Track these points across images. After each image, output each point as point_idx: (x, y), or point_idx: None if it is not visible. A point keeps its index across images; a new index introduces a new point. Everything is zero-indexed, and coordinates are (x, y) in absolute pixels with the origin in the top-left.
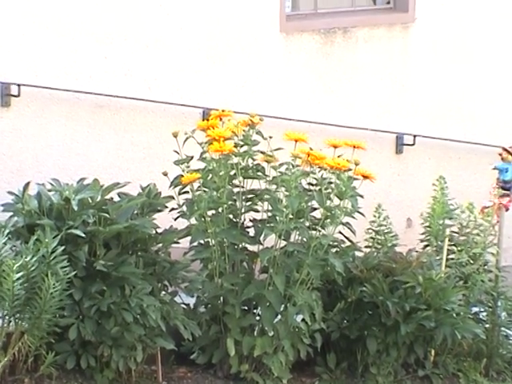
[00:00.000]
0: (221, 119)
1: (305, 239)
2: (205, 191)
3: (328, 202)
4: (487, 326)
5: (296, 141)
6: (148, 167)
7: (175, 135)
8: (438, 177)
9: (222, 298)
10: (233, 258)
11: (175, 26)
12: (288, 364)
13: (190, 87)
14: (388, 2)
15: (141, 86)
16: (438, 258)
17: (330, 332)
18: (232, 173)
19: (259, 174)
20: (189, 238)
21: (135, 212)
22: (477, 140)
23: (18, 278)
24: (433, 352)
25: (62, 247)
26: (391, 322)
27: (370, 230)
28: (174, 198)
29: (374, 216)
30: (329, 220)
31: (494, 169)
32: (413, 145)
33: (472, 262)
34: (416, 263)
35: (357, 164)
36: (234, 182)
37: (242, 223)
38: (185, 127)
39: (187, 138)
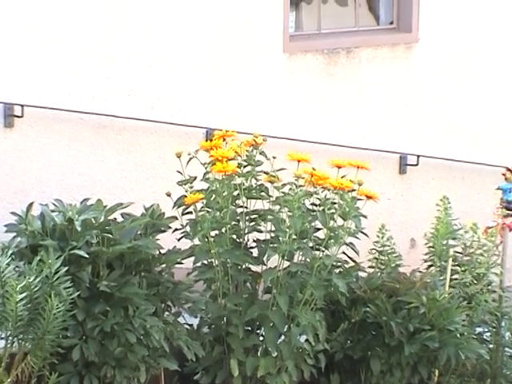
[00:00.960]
0: (224, 139)
1: (308, 260)
2: (208, 211)
3: (331, 222)
4: (491, 346)
5: (299, 161)
6: (151, 188)
7: (178, 155)
8: (442, 197)
9: (225, 319)
10: (236, 279)
11: (178, 46)
12: None
13: (193, 107)
14: (391, 23)
15: (144, 106)
16: (441, 278)
17: (334, 352)
18: (235, 193)
19: (262, 194)
20: (192, 258)
21: (138, 232)
22: (480, 160)
23: (21, 299)
24: (437, 372)
25: (65, 268)
26: (395, 342)
27: (374, 251)
28: (177, 219)
29: (378, 236)
30: (332, 240)
31: (498, 189)
32: (416, 165)
33: (476, 282)
34: (420, 283)
35: (360, 184)
36: (237, 202)
37: (246, 243)
38: (188, 147)
39: (190, 159)
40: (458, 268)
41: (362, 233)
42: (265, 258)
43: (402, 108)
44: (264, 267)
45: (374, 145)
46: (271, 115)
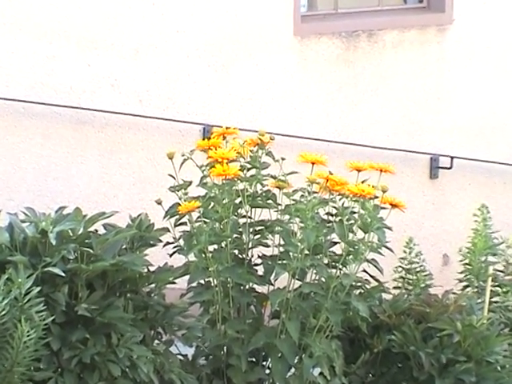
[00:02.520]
0: (224, 138)
1: (323, 279)
2: (205, 222)
3: (350, 235)
4: None
5: (313, 163)
6: (139, 194)
7: (171, 157)
8: (480, 206)
9: (225, 348)
10: (238, 301)
11: (171, 28)
12: None
13: (189, 100)
14: (421, 1)
15: (130, 98)
16: (479, 301)
17: None
18: (237, 201)
19: (269, 202)
20: (187, 277)
21: (124, 247)
22: None
23: None
24: None
25: (38, 288)
26: (424, 376)
27: (400, 268)
28: (169, 231)
29: (405, 252)
30: (351, 256)
31: None
32: (450, 168)
33: None
34: (454, 307)
35: (384, 191)
36: (239, 211)
37: (250, 260)
38: (182, 147)
39: (185, 160)
40: (498, 289)
41: (387, 247)
42: (272, 277)
43: (434, 101)
44: (271, 288)
45: (400, 144)
46: (279, 109)
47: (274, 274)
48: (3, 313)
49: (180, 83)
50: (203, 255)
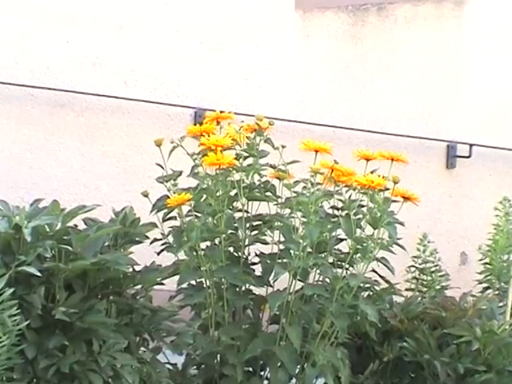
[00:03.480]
0: (218, 123)
1: (327, 280)
2: (197, 217)
3: (358, 231)
4: None
5: (316, 151)
6: (123, 185)
7: (159, 144)
8: (502, 198)
9: (218, 357)
10: (233, 304)
11: (159, 1)
12: None
13: (179, 81)
14: None
15: (114, 79)
16: (501, 304)
17: None
18: (233, 193)
19: (268, 194)
20: (176, 278)
21: (106, 244)
22: None
23: None
24: None
25: (11, 289)
26: None
27: (413, 268)
28: (156, 226)
29: (418, 250)
30: (359, 255)
31: None
32: (469, 157)
33: None
34: (472, 311)
35: (396, 182)
36: (235, 204)
37: (246, 259)
38: (171, 133)
39: (174, 148)
40: None
41: (398, 245)
42: (271, 278)
43: (451, 82)
44: (270, 289)
45: (413, 130)
46: (280, 91)
47: (273, 275)
48: None
49: (169, 62)
50: (194, 253)
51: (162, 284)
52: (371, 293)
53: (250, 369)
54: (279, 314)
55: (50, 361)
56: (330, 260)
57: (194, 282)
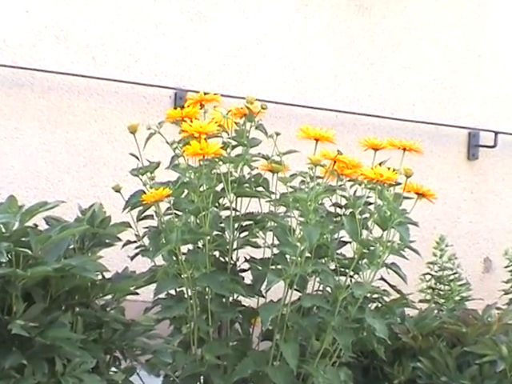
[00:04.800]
0: (202, 106)
1: (329, 289)
2: (177, 215)
3: (364, 232)
4: None
5: (316, 140)
6: (91, 179)
7: (133, 130)
8: None
9: (202, 379)
10: (219, 318)
11: None
12: None
13: (156, 57)
14: None
15: (81, 54)
16: None
17: None
18: (219, 188)
19: (260, 189)
20: (153, 286)
21: (71, 247)
22: None
23: None
24: None
25: None
26: None
27: (428, 276)
28: (130, 226)
29: (435, 255)
30: (365, 260)
31: None
32: (493, 146)
33: None
34: (497, 326)
35: (408, 175)
36: (221, 201)
37: (234, 264)
38: (147, 118)
39: (151, 135)
40: None
41: (411, 249)
42: (263, 287)
43: (473, 60)
44: (262, 300)
45: (429, 116)
46: (273, 70)
47: (265, 283)
48: None
49: (145, 35)
50: (174, 258)
51: (137, 294)
52: (379, 305)
53: None
54: (272, 329)
55: (6, 382)
56: (332, 266)
57: (173, 292)
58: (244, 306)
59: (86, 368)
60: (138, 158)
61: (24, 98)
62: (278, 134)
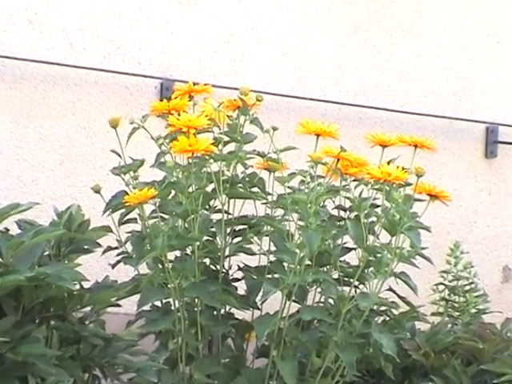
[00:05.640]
0: (191, 98)
1: (331, 301)
2: (163, 219)
3: (371, 238)
4: None
5: (318, 135)
6: (68, 178)
7: (114, 125)
8: None
9: None
10: (210, 332)
11: None
12: None
13: (140, 44)
14: None
15: (57, 40)
16: None
17: None
18: (210, 188)
19: (255, 190)
20: (136, 297)
21: (46, 253)
22: None
23: None
24: None
25: None
26: None
27: (441, 287)
28: (111, 231)
29: (449, 263)
30: (372, 269)
31: None
32: None
33: None
34: None
35: (420, 175)
36: (212, 203)
37: (226, 273)
38: (130, 111)
39: (135, 130)
40: None
41: (423, 256)
42: (258, 299)
43: (492, 46)
44: (257, 313)
45: (442, 109)
46: (270, 58)
47: (261, 294)
48: None
49: (127, 19)
50: (160, 266)
51: (118, 305)
52: (387, 318)
53: None
54: (269, 345)
55: None
56: (335, 275)
57: (159, 304)
58: (237, 319)
59: None
60: (119, 156)
61: None
62: (275, 129)
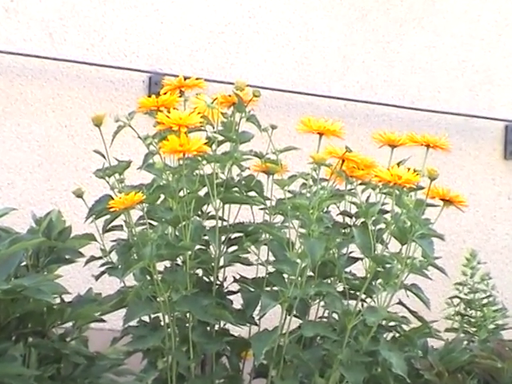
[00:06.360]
0: (182, 93)
1: (335, 315)
2: (152, 226)
3: (379, 247)
4: None
5: (321, 134)
6: (47, 181)
7: (98, 123)
8: None
9: None
10: (203, 350)
11: None
12: None
13: (126, 35)
14: None
15: (35, 30)
16: None
17: None
18: (202, 192)
19: (252, 194)
20: (122, 311)
21: (23, 264)
22: None
23: None
24: None
25: None
26: None
27: (456, 300)
28: (95, 239)
29: (464, 274)
30: (380, 280)
31: None
32: None
33: None
34: None
35: (433, 178)
36: (205, 209)
37: (221, 285)
38: (116, 107)
39: (120, 129)
40: None
41: (436, 267)
42: (256, 313)
43: (511, 37)
44: (254, 329)
45: (457, 105)
46: (269, 49)
47: (258, 308)
48: None
49: (112, 7)
50: (148, 277)
51: (103, 321)
52: (397, 334)
53: None
54: (267, 364)
55: None
56: (340, 288)
57: (147, 319)
58: (233, 335)
59: None
60: (104, 156)
61: None
62: (274, 128)
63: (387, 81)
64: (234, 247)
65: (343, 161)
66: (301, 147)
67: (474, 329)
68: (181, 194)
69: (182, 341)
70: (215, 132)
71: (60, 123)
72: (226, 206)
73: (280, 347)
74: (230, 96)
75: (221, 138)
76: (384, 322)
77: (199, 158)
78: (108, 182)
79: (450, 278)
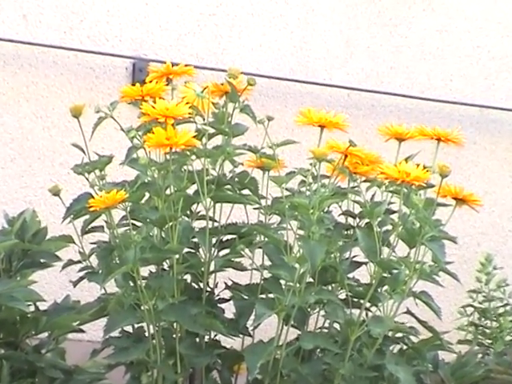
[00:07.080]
0: (169, 81)
1: (337, 326)
2: (136, 227)
3: (385, 250)
4: None
5: (322, 127)
6: (20, 177)
7: (77, 113)
8: None
9: None
10: (191, 363)
11: None
12: None
13: (108, 17)
14: None
15: (8, 12)
16: None
17: None
18: (191, 190)
19: (246, 193)
20: (103, 321)
21: None
22: None
23: None
24: None
25: None
26: None
27: (470, 309)
28: (73, 241)
29: (479, 280)
30: (386, 287)
31: None
32: None
33: None
34: None
35: (444, 175)
36: (194, 208)
37: (211, 292)
38: (96, 97)
39: (101, 120)
40: None
41: (447, 273)
42: (249, 323)
43: None
44: (248, 340)
45: (471, 95)
46: (264, 33)
47: (252, 318)
48: None
49: None
50: (131, 283)
51: (81, 331)
52: (405, 347)
53: None
54: (262, 379)
55: None
56: (342, 295)
57: (130, 329)
58: (224, 347)
59: None
60: (83, 151)
61: None
62: (270, 119)
63: (394, 68)
64: (226, 250)
65: (346, 156)
66: (300, 141)
67: (490, 341)
68: (168, 192)
69: (169, 353)
70: (205, 124)
71: (35, 114)
72: (218, 205)
73: (276, 360)
74: (222, 84)
75: (212, 130)
76: (390, 333)
77: (188, 153)
78: (87, 179)
79: (463, 285)
